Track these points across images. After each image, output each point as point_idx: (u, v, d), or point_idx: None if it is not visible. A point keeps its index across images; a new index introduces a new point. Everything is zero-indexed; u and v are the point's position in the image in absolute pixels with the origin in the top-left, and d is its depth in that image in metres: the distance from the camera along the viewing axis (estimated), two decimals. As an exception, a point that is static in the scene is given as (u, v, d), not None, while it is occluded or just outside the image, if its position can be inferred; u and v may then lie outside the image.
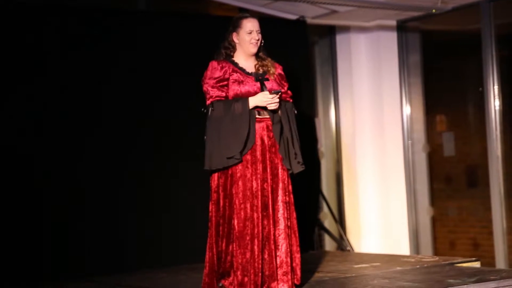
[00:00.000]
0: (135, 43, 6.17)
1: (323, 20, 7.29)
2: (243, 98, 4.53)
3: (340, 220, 7.51)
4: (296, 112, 4.77)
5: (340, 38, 7.65)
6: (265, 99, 4.51)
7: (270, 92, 4.53)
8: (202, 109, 4.60)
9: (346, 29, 7.59)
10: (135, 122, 6.12)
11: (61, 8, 6.00)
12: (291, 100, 4.80)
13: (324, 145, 7.65)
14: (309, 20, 7.21)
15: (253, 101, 4.52)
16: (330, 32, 7.66)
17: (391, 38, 7.61)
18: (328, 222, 7.45)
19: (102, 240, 5.93)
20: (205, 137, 4.57)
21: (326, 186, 7.62)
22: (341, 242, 7.27)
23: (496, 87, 6.91)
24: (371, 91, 7.59)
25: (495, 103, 6.91)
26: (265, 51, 4.78)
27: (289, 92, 4.84)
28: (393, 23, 7.59)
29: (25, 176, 5.68)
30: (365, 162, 7.57)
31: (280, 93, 4.54)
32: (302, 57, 7.15)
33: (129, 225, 6.05)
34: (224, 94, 4.56)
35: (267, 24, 6.94)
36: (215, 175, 4.61)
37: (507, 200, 6.96)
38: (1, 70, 5.62)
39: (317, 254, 6.79)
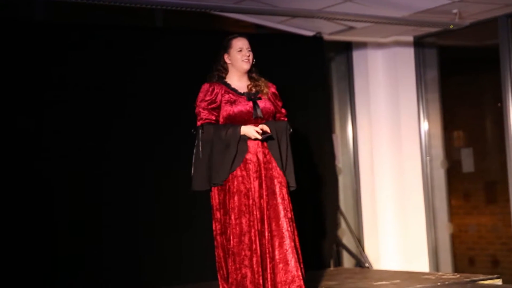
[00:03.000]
0: (152, 59, 6.20)
1: (340, 36, 7.30)
2: (235, 125, 4.57)
3: (358, 236, 7.47)
4: (291, 130, 4.79)
5: (357, 54, 7.65)
6: (254, 135, 4.56)
7: (262, 132, 4.56)
8: (192, 130, 4.66)
9: (363, 45, 7.59)
10: (152, 138, 6.13)
11: (80, 25, 6.06)
12: (285, 119, 4.84)
13: (341, 161, 7.63)
14: (326, 37, 7.22)
15: (243, 130, 4.56)
16: (347, 48, 7.67)
17: (408, 54, 7.60)
18: (346, 238, 7.42)
19: (120, 259, 5.92)
20: (193, 157, 4.63)
21: (344, 202, 7.59)
22: (360, 259, 7.22)
23: (515, 102, 6.88)
24: (388, 107, 7.57)
25: (514, 118, 6.88)
26: (257, 71, 4.83)
27: (283, 110, 4.89)
28: (410, 39, 7.58)
29: (41, 194, 5.69)
30: (383, 178, 7.53)
31: (267, 135, 4.58)
32: (319, 73, 7.15)
33: (147, 243, 6.04)
34: (214, 117, 4.64)
35: (284, 41, 7.04)
36: (215, 193, 4.65)
37: (527, 216, 6.91)
38: (19, 80, 5.67)
39: (335, 271, 6.75)
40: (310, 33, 7.19)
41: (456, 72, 8.00)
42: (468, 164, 7.82)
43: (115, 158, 6.01)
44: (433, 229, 7.57)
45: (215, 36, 6.44)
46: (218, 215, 4.62)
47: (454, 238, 7.72)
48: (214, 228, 4.66)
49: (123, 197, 6.00)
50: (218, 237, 4.63)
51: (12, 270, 5.51)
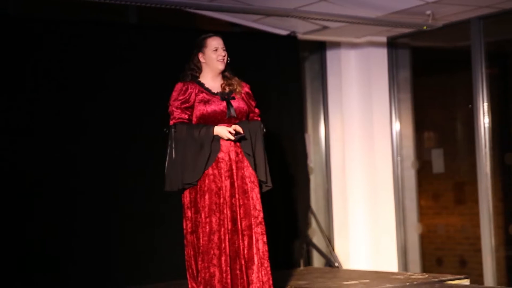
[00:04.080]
0: (126, 56, 6.15)
1: (314, 35, 7.30)
2: (208, 125, 4.56)
3: (328, 236, 7.49)
4: (264, 130, 4.79)
5: (330, 54, 7.66)
6: (227, 136, 4.55)
7: (235, 132, 4.55)
8: (165, 129, 4.64)
9: (336, 45, 7.60)
10: (126, 136, 6.09)
11: (52, 21, 5.98)
12: (259, 119, 4.84)
13: (313, 161, 7.64)
14: (300, 36, 7.22)
15: (216, 130, 4.55)
16: (320, 47, 7.67)
17: (381, 54, 7.63)
18: (316, 238, 7.43)
19: (90, 257, 5.88)
20: (166, 157, 4.61)
21: (315, 201, 7.60)
22: (330, 258, 7.24)
23: (485, 104, 6.93)
24: (361, 107, 7.59)
25: (484, 120, 6.93)
26: (231, 70, 4.81)
27: (256, 110, 4.89)
28: (384, 39, 7.61)
29: (15, 188, 5.63)
30: (355, 178, 7.56)
31: (240, 136, 4.57)
32: (293, 72, 7.16)
33: (118, 242, 6.00)
34: (187, 116, 4.62)
35: (259, 39, 7.03)
36: (187, 191, 4.64)
37: (496, 217, 6.97)
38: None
39: (305, 270, 6.77)
40: (284, 32, 7.18)
41: (428, 73, 8.05)
42: (438, 164, 7.87)
43: (87, 156, 5.95)
44: (403, 229, 7.61)
45: (189, 34, 6.42)
46: (189, 213, 4.62)
47: (423, 238, 7.77)
48: (184, 226, 4.65)
49: (95, 196, 5.95)
50: (188, 236, 4.63)
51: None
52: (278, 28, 7.13)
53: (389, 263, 7.47)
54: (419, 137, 7.84)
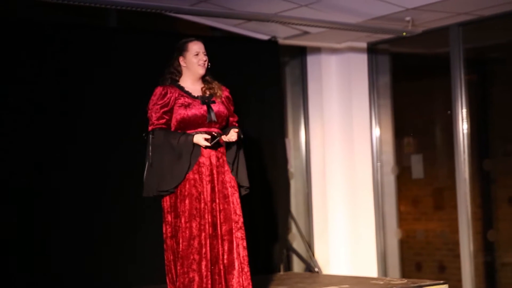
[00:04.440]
0: (105, 59, 6.12)
1: (294, 41, 7.32)
2: (186, 133, 4.54)
3: (308, 241, 7.49)
4: (242, 136, 4.78)
5: (311, 59, 7.67)
6: (204, 143, 4.53)
7: (211, 137, 4.54)
8: (143, 135, 4.63)
9: (317, 50, 7.62)
10: (108, 139, 6.05)
11: (29, 23, 5.92)
12: (237, 125, 4.84)
13: (293, 166, 7.64)
14: (281, 41, 7.23)
15: (195, 139, 4.54)
16: (301, 53, 7.69)
17: (362, 60, 7.66)
18: (296, 243, 7.43)
19: (69, 262, 5.83)
20: (146, 163, 4.59)
21: (295, 206, 7.60)
22: (310, 264, 7.24)
23: (464, 110, 6.97)
24: (341, 112, 7.61)
25: (463, 126, 6.97)
26: (212, 74, 4.80)
27: (236, 117, 4.89)
28: (364, 45, 7.64)
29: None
30: (335, 183, 7.57)
31: (217, 138, 4.56)
32: (273, 77, 7.16)
33: (98, 247, 5.95)
34: (164, 121, 4.59)
35: (239, 44, 7.03)
36: (167, 196, 4.62)
37: (474, 223, 7.00)
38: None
39: (285, 275, 6.77)
40: (265, 37, 7.19)
41: (408, 79, 8.08)
42: (417, 170, 7.90)
43: (69, 159, 5.91)
44: (382, 234, 7.63)
45: (170, 38, 6.41)
46: (169, 218, 4.60)
47: (402, 243, 7.80)
48: (164, 231, 4.63)
49: (77, 199, 5.91)
50: (168, 240, 4.61)
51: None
52: (259, 32, 7.14)
53: (369, 268, 7.48)
54: (398, 142, 7.86)
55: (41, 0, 5.26)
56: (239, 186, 4.76)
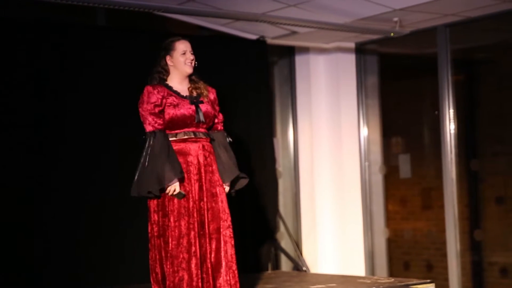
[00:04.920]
0: (93, 59, 6.12)
1: (283, 40, 7.33)
2: (171, 174, 4.48)
3: (296, 240, 7.51)
4: (230, 139, 4.82)
5: (299, 59, 7.69)
6: (170, 192, 4.52)
7: (179, 194, 4.53)
8: (143, 137, 4.60)
9: (305, 50, 7.64)
10: (96, 138, 6.05)
11: (18, 21, 5.92)
12: (222, 128, 4.85)
13: (282, 165, 7.66)
14: (269, 40, 7.25)
15: (171, 187, 4.50)
16: (289, 52, 7.70)
17: (350, 60, 7.68)
18: (284, 242, 7.45)
19: (57, 259, 5.83)
20: (140, 162, 4.56)
21: (283, 205, 7.62)
22: (298, 262, 7.26)
23: (451, 110, 7.00)
24: (329, 112, 7.63)
25: (450, 127, 7.00)
26: (198, 74, 4.80)
27: (220, 116, 4.87)
28: (352, 45, 7.66)
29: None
30: (323, 182, 7.59)
31: (181, 196, 4.54)
32: (262, 77, 7.18)
33: (88, 243, 5.96)
34: (162, 121, 4.57)
35: (227, 43, 7.04)
36: None
37: (461, 222, 7.04)
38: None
39: (273, 274, 6.78)
40: (253, 37, 7.20)
41: (396, 79, 8.12)
42: (405, 170, 7.93)
43: (57, 157, 5.91)
44: (370, 233, 7.66)
45: (158, 37, 6.42)
46: (155, 217, 4.58)
47: (390, 242, 7.83)
48: (149, 230, 4.61)
49: (65, 197, 5.91)
50: (153, 240, 4.59)
51: None
52: (247, 32, 7.15)
53: (357, 267, 7.51)
54: (386, 142, 7.89)
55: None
56: (240, 178, 4.79)
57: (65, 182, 5.93)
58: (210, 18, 6.74)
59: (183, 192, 4.52)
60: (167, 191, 4.50)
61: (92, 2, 5.51)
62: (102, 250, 6.02)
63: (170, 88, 4.68)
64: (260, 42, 7.19)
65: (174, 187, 4.50)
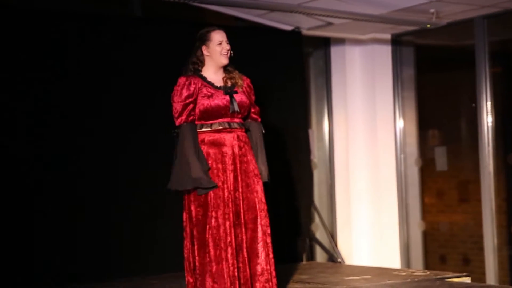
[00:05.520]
0: (130, 49, 6.17)
1: (318, 31, 7.31)
2: (199, 171, 4.48)
3: (331, 231, 7.50)
4: (263, 131, 4.80)
5: (335, 50, 7.68)
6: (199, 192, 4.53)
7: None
8: (173, 131, 4.61)
9: (341, 41, 7.62)
10: (128, 128, 6.11)
11: (56, 13, 6.00)
12: (259, 119, 4.83)
13: (317, 156, 7.66)
14: (304, 31, 7.24)
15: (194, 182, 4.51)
16: (325, 44, 7.68)
17: (386, 52, 7.64)
18: (319, 233, 7.45)
19: (92, 247, 5.91)
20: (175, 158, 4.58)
21: (318, 197, 7.62)
22: (332, 254, 7.26)
23: (489, 103, 6.93)
24: (365, 104, 7.60)
25: (487, 119, 6.94)
26: (234, 64, 4.78)
27: (256, 107, 4.85)
28: (388, 36, 7.62)
29: (18, 182, 5.66)
30: (358, 174, 7.57)
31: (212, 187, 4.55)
32: (297, 68, 7.17)
33: (120, 232, 6.03)
34: (191, 117, 4.57)
35: (263, 34, 7.05)
36: None
37: (498, 216, 6.97)
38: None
39: (308, 265, 6.78)
40: (288, 28, 7.20)
41: (433, 71, 8.06)
42: (441, 162, 7.88)
43: (89, 148, 5.98)
44: (406, 226, 7.62)
45: (193, 27, 6.44)
46: (190, 206, 4.60)
47: (426, 235, 7.78)
48: (184, 218, 4.62)
49: (98, 187, 5.99)
50: (187, 228, 4.60)
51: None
52: (283, 23, 7.15)
53: (392, 259, 7.48)
54: (422, 134, 7.84)
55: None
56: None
57: (98, 169, 6.00)
58: (246, 9, 6.75)
59: (214, 183, 4.53)
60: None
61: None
62: (136, 238, 6.09)
63: (204, 78, 4.67)
64: (296, 33, 7.18)
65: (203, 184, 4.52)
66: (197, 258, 4.54)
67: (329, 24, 7.06)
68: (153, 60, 6.23)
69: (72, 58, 5.94)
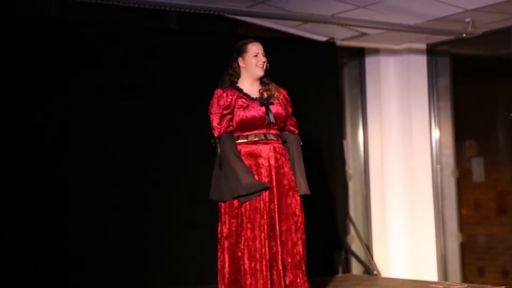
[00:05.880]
0: (165, 61, 6.22)
1: (352, 42, 7.30)
2: (249, 177, 4.49)
3: (367, 243, 7.45)
4: (301, 143, 4.79)
5: (369, 60, 7.65)
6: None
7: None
8: (212, 141, 4.62)
9: (375, 51, 7.59)
10: (162, 139, 6.15)
11: (93, 24, 6.08)
12: (296, 131, 4.83)
13: (352, 167, 7.62)
14: (339, 42, 7.23)
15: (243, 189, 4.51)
16: (359, 54, 7.66)
17: (421, 62, 7.60)
18: (355, 245, 7.40)
19: (123, 258, 5.94)
20: (216, 168, 4.58)
21: (354, 208, 7.57)
22: (368, 266, 7.20)
23: (526, 113, 6.86)
24: (400, 114, 7.56)
25: (525, 129, 6.86)
26: (269, 76, 4.78)
27: (293, 119, 4.84)
28: (423, 46, 7.57)
29: (48, 192, 5.71)
30: (393, 185, 7.51)
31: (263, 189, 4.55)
32: (331, 79, 7.16)
33: (156, 244, 6.05)
34: (230, 127, 4.59)
35: (297, 45, 7.05)
36: None
37: (537, 228, 6.88)
38: (36, 79, 5.71)
39: (343, 277, 6.74)
40: (323, 38, 7.19)
41: (469, 81, 7.98)
42: (478, 173, 7.78)
43: (123, 158, 6.03)
44: (443, 238, 7.54)
45: (228, 39, 6.48)
46: (225, 218, 4.59)
47: (463, 247, 7.69)
48: (219, 230, 4.62)
49: (131, 197, 6.02)
50: (222, 240, 4.60)
51: (18, 269, 5.53)
52: (317, 34, 7.15)
53: (429, 272, 7.40)
54: (459, 145, 7.77)
55: (105, 3, 5.36)
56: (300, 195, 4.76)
57: (133, 180, 6.03)
58: (280, 20, 6.76)
59: (265, 184, 4.53)
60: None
61: (164, 5, 5.60)
62: (172, 249, 6.10)
63: (240, 90, 4.69)
64: (330, 44, 7.17)
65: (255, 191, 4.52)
66: (231, 269, 4.53)
67: (364, 34, 7.04)
68: (187, 72, 6.27)
69: (107, 68, 6.00)
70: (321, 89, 7.05)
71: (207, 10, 5.71)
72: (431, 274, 7.41)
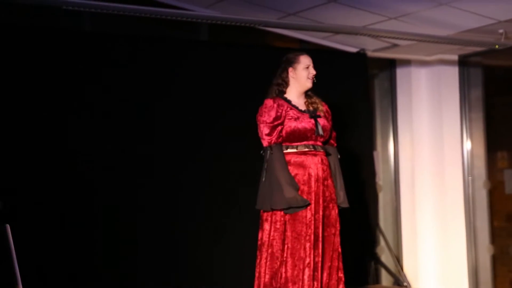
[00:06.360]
0: (196, 72, 6.25)
1: (383, 53, 7.29)
2: (292, 191, 4.54)
3: (397, 254, 7.42)
4: (339, 156, 4.87)
5: (400, 72, 7.63)
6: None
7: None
8: (261, 152, 4.67)
9: (406, 62, 7.57)
10: (189, 151, 6.17)
11: (125, 37, 6.14)
12: (335, 144, 4.91)
13: (382, 179, 7.60)
14: (370, 53, 7.22)
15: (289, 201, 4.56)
16: (390, 65, 7.65)
17: (453, 73, 7.56)
18: (385, 256, 7.37)
19: (156, 263, 5.97)
20: (263, 178, 4.63)
21: (384, 219, 7.55)
22: (398, 278, 7.17)
23: (559, 124, 6.79)
24: (431, 126, 7.52)
25: (558, 141, 6.79)
26: (312, 89, 4.83)
27: (334, 132, 4.93)
28: (455, 57, 7.54)
29: (80, 195, 5.75)
30: (424, 197, 7.48)
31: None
32: (362, 90, 7.16)
33: (192, 249, 6.08)
34: (281, 139, 4.64)
35: (328, 57, 7.06)
36: None
37: None
38: (65, 84, 5.76)
39: (373, 288, 6.73)
40: (353, 50, 7.20)
41: (501, 92, 7.92)
42: (511, 185, 7.72)
43: (158, 166, 6.06)
44: (474, 249, 7.49)
45: (259, 50, 6.53)
46: (267, 226, 4.63)
47: (495, 259, 7.62)
48: (259, 237, 4.67)
49: (165, 202, 6.04)
50: (263, 247, 4.63)
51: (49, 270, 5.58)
52: (347, 45, 7.15)
53: (460, 284, 7.35)
54: (491, 157, 7.71)
55: (138, 15, 5.43)
56: (339, 205, 4.84)
57: (163, 189, 6.05)
58: (311, 32, 6.78)
59: (307, 201, 4.58)
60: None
61: (196, 18, 5.66)
62: (209, 256, 6.13)
63: (289, 102, 4.74)
64: (361, 55, 7.17)
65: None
66: (269, 277, 4.56)
67: (395, 45, 7.03)
68: (218, 83, 6.29)
69: (135, 79, 6.03)
70: (351, 100, 7.05)
71: (238, 22, 5.75)
72: (462, 286, 7.36)
